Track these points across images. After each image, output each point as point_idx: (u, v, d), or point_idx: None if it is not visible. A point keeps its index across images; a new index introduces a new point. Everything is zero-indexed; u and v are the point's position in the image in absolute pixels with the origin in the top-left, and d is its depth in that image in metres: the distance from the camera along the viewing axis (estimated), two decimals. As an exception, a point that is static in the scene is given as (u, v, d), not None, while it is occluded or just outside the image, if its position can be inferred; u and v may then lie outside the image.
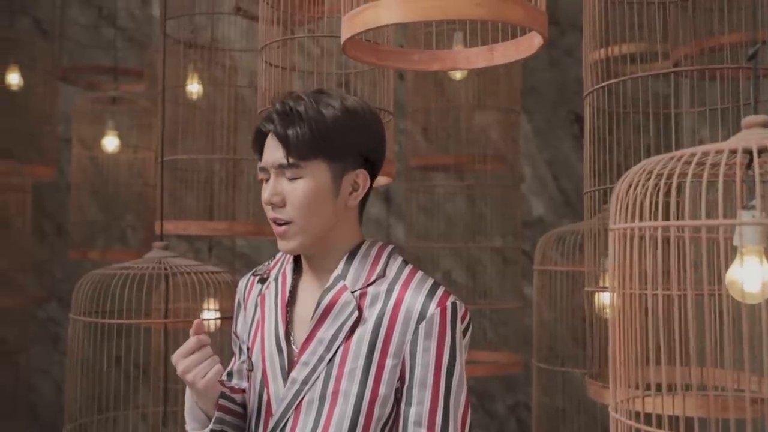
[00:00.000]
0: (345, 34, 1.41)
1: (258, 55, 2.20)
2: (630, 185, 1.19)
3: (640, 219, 1.15)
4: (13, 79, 4.21)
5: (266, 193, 1.40)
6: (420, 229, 4.05)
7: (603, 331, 2.13)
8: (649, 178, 1.16)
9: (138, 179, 4.31)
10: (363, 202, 1.47)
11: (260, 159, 1.44)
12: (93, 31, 5.18)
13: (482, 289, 4.19)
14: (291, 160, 1.36)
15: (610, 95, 1.96)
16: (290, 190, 1.38)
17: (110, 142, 4.13)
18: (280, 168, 1.38)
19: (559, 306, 3.12)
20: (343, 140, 1.38)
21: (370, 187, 1.46)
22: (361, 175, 1.42)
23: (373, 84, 2.40)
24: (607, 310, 2.53)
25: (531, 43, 1.47)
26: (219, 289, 2.14)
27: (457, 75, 3.47)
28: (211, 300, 2.21)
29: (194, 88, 3.49)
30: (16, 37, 4.42)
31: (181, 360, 1.39)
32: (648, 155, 1.93)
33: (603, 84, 1.90)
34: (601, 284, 2.28)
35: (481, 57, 1.55)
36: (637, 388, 1.29)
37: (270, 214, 1.42)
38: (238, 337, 1.59)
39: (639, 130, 2.05)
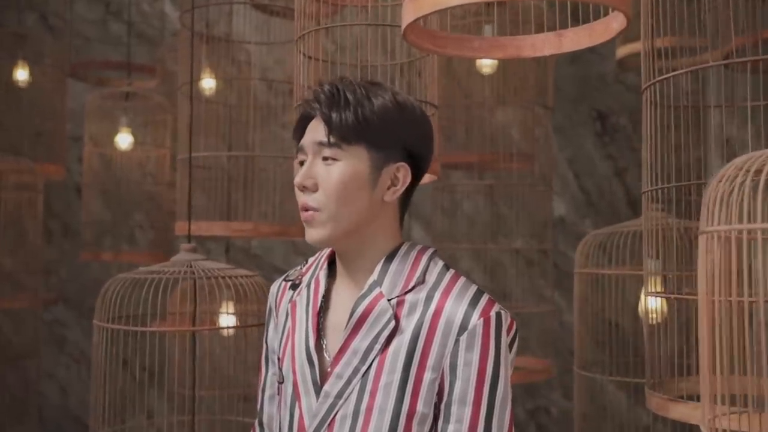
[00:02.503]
0: (408, 17, 1.29)
1: (294, 46, 2.09)
2: (732, 185, 1.08)
3: (748, 220, 1.03)
4: (21, 75, 4.10)
5: (299, 176, 1.31)
6: (440, 230, 3.93)
7: (667, 338, 2.00)
8: (757, 178, 1.05)
9: (149, 178, 4.19)
10: (404, 203, 1.38)
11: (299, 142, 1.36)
12: (101, 27, 5.07)
13: (503, 292, 4.06)
14: (332, 139, 1.28)
15: (667, 89, 1.84)
16: (325, 174, 1.29)
17: (123, 140, 4.01)
18: (320, 146, 1.30)
19: (595, 309, 2.99)
20: (387, 130, 1.30)
21: (413, 186, 1.36)
22: (402, 170, 1.33)
23: (385, 76, 2.27)
24: (655, 315, 2.41)
25: (608, 27, 1.34)
26: (255, 293, 2.03)
27: (486, 69, 3.32)
28: (248, 305, 2.10)
29: (210, 83, 3.36)
30: (23, 32, 4.31)
31: None
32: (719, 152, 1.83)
33: (666, 76, 1.77)
34: (651, 288, 2.16)
35: (548, 44, 1.42)
36: (721, 402, 1.18)
37: (301, 199, 1.32)
38: (268, 346, 1.50)
39: (698, 126, 1.93)
